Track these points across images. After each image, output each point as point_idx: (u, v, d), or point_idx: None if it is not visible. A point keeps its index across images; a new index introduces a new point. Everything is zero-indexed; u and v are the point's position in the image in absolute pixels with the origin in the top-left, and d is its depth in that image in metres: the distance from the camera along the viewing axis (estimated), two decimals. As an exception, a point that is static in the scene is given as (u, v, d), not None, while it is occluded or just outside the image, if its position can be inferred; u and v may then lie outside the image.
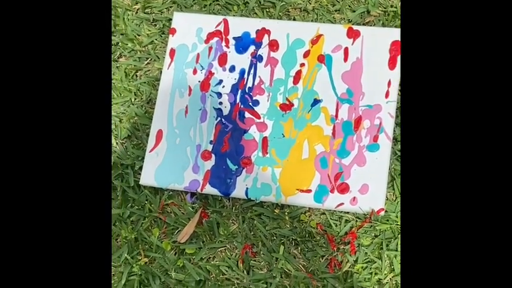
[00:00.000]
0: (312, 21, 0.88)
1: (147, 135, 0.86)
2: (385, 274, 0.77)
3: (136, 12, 0.94)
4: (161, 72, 0.88)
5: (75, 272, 0.52)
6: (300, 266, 0.79)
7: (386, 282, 0.77)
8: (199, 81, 0.86)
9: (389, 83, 0.81)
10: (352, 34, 0.84)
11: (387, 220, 0.78)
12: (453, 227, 0.53)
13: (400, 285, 0.77)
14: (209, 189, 0.82)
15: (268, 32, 0.86)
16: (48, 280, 0.51)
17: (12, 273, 0.51)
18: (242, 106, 0.84)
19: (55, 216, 0.52)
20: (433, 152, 0.54)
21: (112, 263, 0.81)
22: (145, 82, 0.90)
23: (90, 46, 0.56)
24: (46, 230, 0.52)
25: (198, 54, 0.87)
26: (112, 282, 0.80)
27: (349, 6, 0.88)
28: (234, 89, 0.85)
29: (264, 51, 0.86)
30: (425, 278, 0.53)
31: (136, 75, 0.92)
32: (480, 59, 0.55)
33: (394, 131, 0.81)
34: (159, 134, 0.84)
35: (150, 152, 0.84)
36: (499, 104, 0.54)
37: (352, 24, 0.85)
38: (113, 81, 0.91)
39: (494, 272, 0.51)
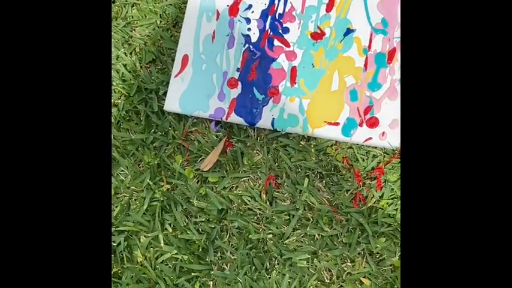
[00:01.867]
0: None
1: (172, 60, 0.83)
2: (410, 211, 0.76)
3: None
4: (188, -6, 0.85)
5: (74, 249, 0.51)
6: (324, 199, 0.78)
7: (412, 219, 0.76)
8: (227, 5, 0.82)
9: (427, 14, 0.77)
10: (391, -40, 0.79)
11: (416, 157, 0.76)
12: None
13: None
14: (234, 118, 0.80)
15: (301, -45, 0.82)
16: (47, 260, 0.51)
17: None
18: (271, 33, 0.81)
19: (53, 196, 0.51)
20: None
21: (134, 188, 0.80)
22: (171, 4, 0.87)
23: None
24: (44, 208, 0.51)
25: (228, -23, 0.83)
26: (134, 207, 0.80)
27: None
28: (264, 14, 0.81)
29: (296, -25, 0.82)
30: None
31: (162, -3, 0.89)
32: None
33: (430, 65, 0.77)
34: (185, 59, 0.81)
35: (175, 77, 0.81)
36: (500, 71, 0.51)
37: (392, -50, 0.80)
38: (138, 2, 0.88)
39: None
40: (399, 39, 0.78)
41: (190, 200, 0.79)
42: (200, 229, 0.79)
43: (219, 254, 0.78)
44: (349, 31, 0.79)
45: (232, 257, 0.78)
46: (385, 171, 0.77)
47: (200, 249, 0.78)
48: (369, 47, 0.78)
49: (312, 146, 0.79)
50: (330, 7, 0.80)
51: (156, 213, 0.79)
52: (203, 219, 0.79)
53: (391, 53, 0.78)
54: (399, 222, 0.76)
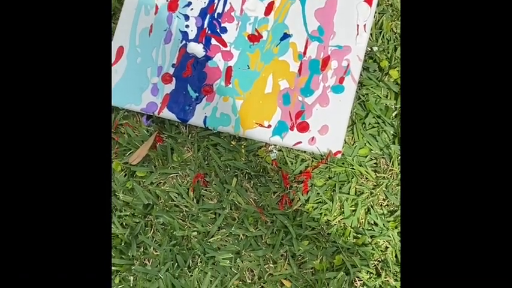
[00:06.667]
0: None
1: (107, 50, 0.82)
2: (334, 216, 0.77)
3: None
4: (128, -14, 0.84)
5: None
6: (251, 200, 0.79)
7: (335, 224, 0.77)
8: (167, 1, 0.82)
9: (362, 26, 0.79)
10: (331, -29, 0.81)
11: (343, 163, 0.78)
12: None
13: (348, 227, 0.77)
14: (167, 114, 0.79)
15: (244, -42, 0.83)
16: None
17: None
18: (209, 32, 0.81)
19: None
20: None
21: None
22: (110, -5, 0.86)
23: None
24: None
25: (169, -28, 0.83)
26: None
27: None
28: (203, 13, 0.82)
29: (238, -23, 0.82)
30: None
31: (101, -13, 0.87)
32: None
33: (361, 74, 0.80)
34: (120, 50, 0.80)
35: (108, 68, 0.80)
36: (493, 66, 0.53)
37: (332, -39, 0.82)
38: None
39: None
40: (334, 47, 0.79)
41: (116, 194, 0.78)
42: (124, 223, 0.78)
43: (141, 249, 0.77)
44: (285, 36, 0.80)
45: (155, 253, 0.77)
46: (312, 176, 0.78)
47: (123, 244, 0.77)
48: (304, 53, 0.80)
49: (243, 146, 0.79)
50: (268, 11, 0.81)
51: (79, 205, 0.77)
52: (128, 213, 0.78)
53: (325, 61, 0.79)
54: (322, 227, 0.77)
